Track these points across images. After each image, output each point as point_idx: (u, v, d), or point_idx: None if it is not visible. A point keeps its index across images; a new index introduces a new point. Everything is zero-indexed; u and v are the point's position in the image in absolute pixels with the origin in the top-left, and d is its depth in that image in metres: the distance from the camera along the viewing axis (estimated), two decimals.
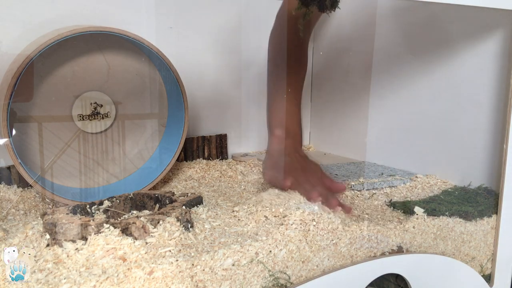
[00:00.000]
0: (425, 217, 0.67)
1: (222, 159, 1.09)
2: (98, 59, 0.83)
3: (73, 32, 0.72)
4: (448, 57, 0.84)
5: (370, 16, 1.02)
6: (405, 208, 0.70)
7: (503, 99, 0.74)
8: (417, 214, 0.67)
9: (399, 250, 0.63)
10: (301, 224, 0.57)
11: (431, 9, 0.86)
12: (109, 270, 0.46)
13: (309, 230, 0.57)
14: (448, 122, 0.85)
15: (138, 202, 0.68)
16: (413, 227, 0.65)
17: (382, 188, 0.82)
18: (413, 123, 0.92)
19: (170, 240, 0.52)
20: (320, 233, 0.57)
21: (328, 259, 0.57)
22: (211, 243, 0.54)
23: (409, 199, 0.76)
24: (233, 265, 0.51)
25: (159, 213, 0.57)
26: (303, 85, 0.85)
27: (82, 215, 0.60)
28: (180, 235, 0.53)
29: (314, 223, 0.58)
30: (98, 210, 0.63)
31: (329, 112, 1.18)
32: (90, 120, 0.83)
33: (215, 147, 1.08)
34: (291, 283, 0.54)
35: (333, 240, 0.58)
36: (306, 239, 0.56)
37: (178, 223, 0.55)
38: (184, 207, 0.61)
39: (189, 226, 0.56)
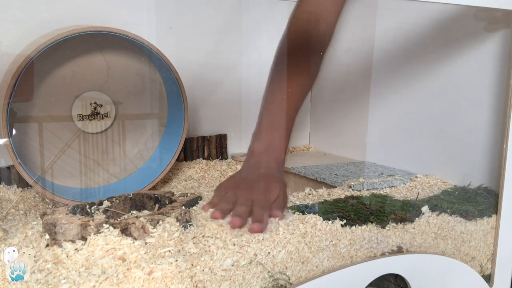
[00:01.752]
0: (430, 213, 0.67)
1: (222, 159, 1.09)
2: (98, 59, 0.83)
3: (73, 32, 0.72)
4: (448, 57, 0.84)
5: (370, 16, 1.02)
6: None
7: (503, 99, 0.74)
8: (423, 213, 0.67)
9: (399, 251, 0.63)
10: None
11: (432, 9, 0.86)
12: (109, 270, 0.46)
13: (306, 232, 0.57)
14: (448, 122, 0.85)
15: (137, 202, 0.68)
16: (413, 228, 0.65)
17: (382, 188, 0.82)
18: (413, 123, 0.92)
19: (169, 240, 0.52)
20: (318, 234, 0.57)
21: (328, 260, 0.57)
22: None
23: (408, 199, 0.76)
24: (232, 265, 0.51)
25: (158, 213, 0.57)
26: (306, 92, 0.74)
27: (82, 215, 0.60)
28: (179, 235, 0.53)
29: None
30: (98, 210, 0.63)
31: (329, 112, 1.18)
32: (90, 120, 0.83)
33: (215, 147, 1.08)
34: (291, 283, 0.54)
35: (332, 241, 0.58)
36: (304, 240, 0.56)
37: (178, 223, 0.55)
38: (183, 207, 0.61)
39: (188, 226, 0.56)
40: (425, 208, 0.68)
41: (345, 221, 0.61)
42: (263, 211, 0.59)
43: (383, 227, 0.63)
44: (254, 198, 0.61)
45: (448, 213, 0.69)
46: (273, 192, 0.64)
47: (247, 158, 0.72)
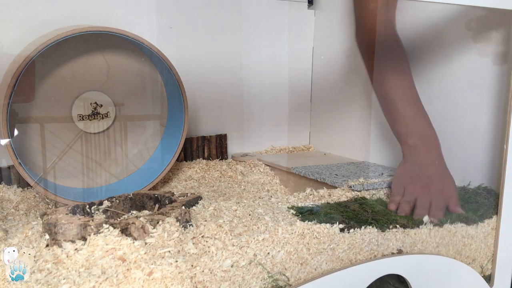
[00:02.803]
0: (431, 226, 0.66)
1: (222, 159, 1.09)
2: (98, 59, 0.83)
3: (73, 32, 0.72)
4: (448, 57, 0.84)
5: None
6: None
7: (503, 99, 0.74)
8: (425, 224, 0.66)
9: (399, 253, 0.63)
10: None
11: (431, 9, 0.86)
12: (109, 270, 0.46)
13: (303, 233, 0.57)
14: (448, 122, 0.85)
15: (137, 202, 0.68)
16: (414, 234, 0.64)
17: (382, 188, 0.82)
18: None
19: (169, 240, 0.52)
20: (316, 236, 0.57)
21: (326, 263, 0.57)
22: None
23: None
24: (232, 266, 0.51)
25: (158, 213, 0.56)
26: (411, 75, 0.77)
27: (82, 215, 0.60)
28: (179, 235, 0.53)
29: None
30: (98, 210, 0.63)
31: (329, 112, 1.18)
32: (90, 120, 0.83)
33: (215, 147, 1.08)
34: (290, 285, 0.54)
35: (330, 245, 0.58)
36: (303, 241, 0.56)
37: (178, 223, 0.55)
38: (183, 207, 0.61)
39: (188, 226, 0.56)
40: (426, 218, 0.67)
41: (343, 225, 0.60)
42: (440, 207, 0.68)
43: (383, 231, 0.62)
44: (432, 198, 0.70)
45: (448, 223, 0.68)
46: (448, 190, 0.71)
47: (407, 156, 0.76)
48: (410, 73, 0.77)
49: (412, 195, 0.71)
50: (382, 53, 0.77)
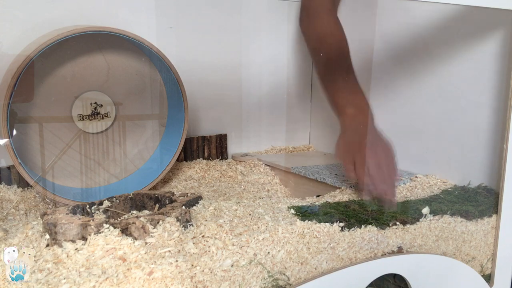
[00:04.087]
0: (431, 217, 0.66)
1: (222, 159, 1.09)
2: (98, 59, 0.83)
3: (73, 32, 0.72)
4: (448, 57, 0.84)
5: (370, 16, 1.01)
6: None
7: (503, 99, 0.74)
8: (424, 216, 0.67)
9: (399, 251, 0.63)
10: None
11: (431, 9, 0.86)
12: (109, 270, 0.46)
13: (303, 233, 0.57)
14: (448, 122, 0.85)
15: (138, 202, 0.68)
16: (414, 229, 0.65)
17: None
18: (413, 123, 0.92)
19: (169, 240, 0.52)
20: (316, 235, 0.57)
21: (326, 262, 0.57)
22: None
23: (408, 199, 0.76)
24: (232, 266, 0.51)
25: (159, 213, 0.57)
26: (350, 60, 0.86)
27: (82, 215, 0.60)
28: (179, 235, 0.53)
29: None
30: (98, 210, 0.63)
31: (329, 112, 1.18)
32: (90, 120, 0.83)
33: (215, 147, 1.08)
34: (290, 284, 0.54)
35: (330, 244, 0.58)
36: (303, 241, 0.56)
37: (178, 223, 0.55)
38: (184, 207, 0.61)
39: (188, 226, 0.56)
40: (425, 210, 0.67)
41: (344, 223, 0.60)
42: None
43: (383, 229, 0.63)
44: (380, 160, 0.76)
45: (449, 214, 0.69)
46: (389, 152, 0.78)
47: (347, 125, 0.82)
48: (349, 57, 0.85)
49: (364, 162, 0.75)
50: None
